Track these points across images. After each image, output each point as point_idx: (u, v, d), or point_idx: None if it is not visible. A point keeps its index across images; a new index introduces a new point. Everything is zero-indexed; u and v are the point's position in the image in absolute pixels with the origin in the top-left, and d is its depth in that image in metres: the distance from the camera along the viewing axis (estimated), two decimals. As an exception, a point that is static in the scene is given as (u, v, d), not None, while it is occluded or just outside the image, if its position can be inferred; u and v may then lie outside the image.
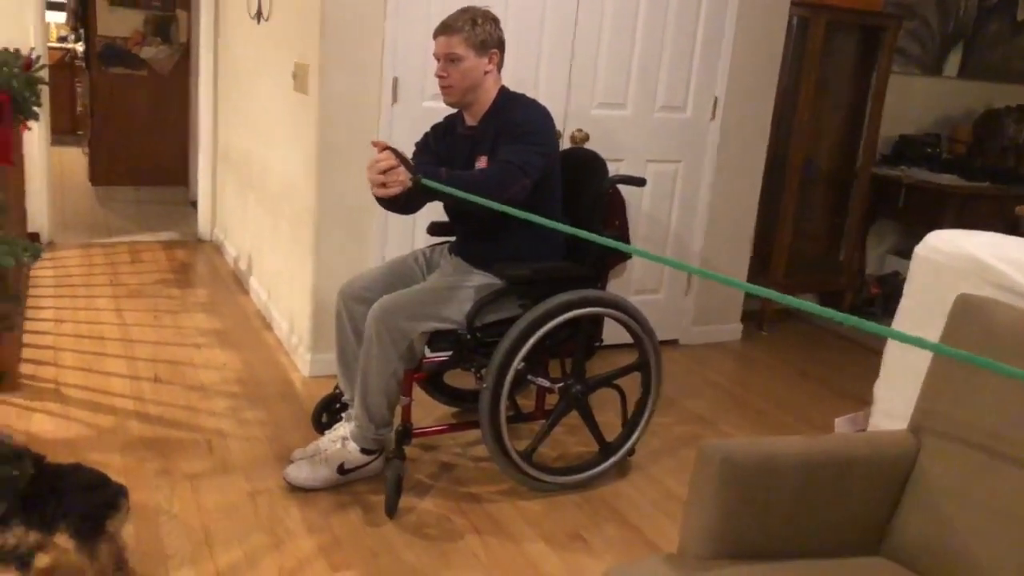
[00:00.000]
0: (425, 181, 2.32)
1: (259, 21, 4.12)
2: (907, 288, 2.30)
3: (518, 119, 2.62)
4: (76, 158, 7.72)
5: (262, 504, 2.60)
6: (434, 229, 3.02)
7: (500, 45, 2.66)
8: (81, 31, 7.54)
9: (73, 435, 2.91)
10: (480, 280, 2.68)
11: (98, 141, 6.62)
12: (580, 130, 3.74)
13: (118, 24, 6.48)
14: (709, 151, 4.10)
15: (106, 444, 2.86)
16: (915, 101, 5.12)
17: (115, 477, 2.17)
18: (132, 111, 6.55)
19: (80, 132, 8.12)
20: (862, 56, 4.76)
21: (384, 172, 2.36)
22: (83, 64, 7.22)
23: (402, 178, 2.36)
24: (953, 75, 5.22)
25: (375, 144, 2.44)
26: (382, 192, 2.40)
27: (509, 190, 2.44)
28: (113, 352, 3.64)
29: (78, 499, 2.03)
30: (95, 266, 4.83)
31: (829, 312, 1.30)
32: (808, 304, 1.38)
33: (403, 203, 2.51)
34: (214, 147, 5.44)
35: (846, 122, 4.84)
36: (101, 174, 6.66)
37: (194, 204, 5.93)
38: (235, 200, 4.99)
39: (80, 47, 7.68)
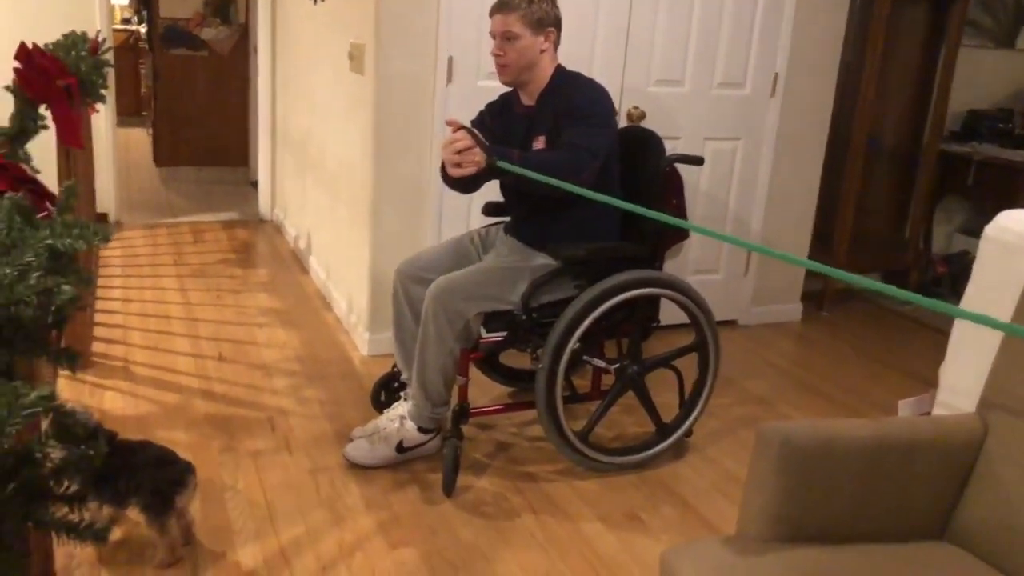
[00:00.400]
0: (500, 163, 2.32)
1: (315, 1, 4.15)
2: (976, 268, 2.23)
3: (580, 100, 2.59)
4: (141, 139, 7.90)
5: (323, 481, 2.65)
6: (489, 209, 3.02)
7: (557, 23, 2.64)
8: (144, 13, 7.70)
9: (142, 412, 3.00)
10: (536, 261, 2.68)
11: (161, 122, 6.75)
12: (636, 107, 3.70)
13: (179, 5, 6.58)
14: (769, 128, 4.02)
15: (173, 421, 2.95)
16: (986, 75, 4.94)
17: (182, 454, 2.24)
18: (193, 92, 6.65)
19: (144, 113, 8.30)
20: (930, 29, 4.60)
21: (460, 152, 2.36)
22: (146, 46, 7.37)
23: (477, 159, 2.36)
24: (1027, 47, 5.03)
25: (449, 123, 2.43)
26: (457, 172, 2.39)
27: (582, 174, 2.42)
28: (178, 331, 3.73)
29: (148, 475, 2.10)
30: (160, 246, 4.96)
31: (903, 293, 1.26)
32: (881, 285, 1.35)
33: (468, 182, 2.52)
34: (273, 128, 5.51)
35: (912, 97, 4.69)
36: (164, 155, 6.80)
37: (254, 184, 6.03)
38: (294, 180, 5.06)
39: (143, 29, 7.84)
